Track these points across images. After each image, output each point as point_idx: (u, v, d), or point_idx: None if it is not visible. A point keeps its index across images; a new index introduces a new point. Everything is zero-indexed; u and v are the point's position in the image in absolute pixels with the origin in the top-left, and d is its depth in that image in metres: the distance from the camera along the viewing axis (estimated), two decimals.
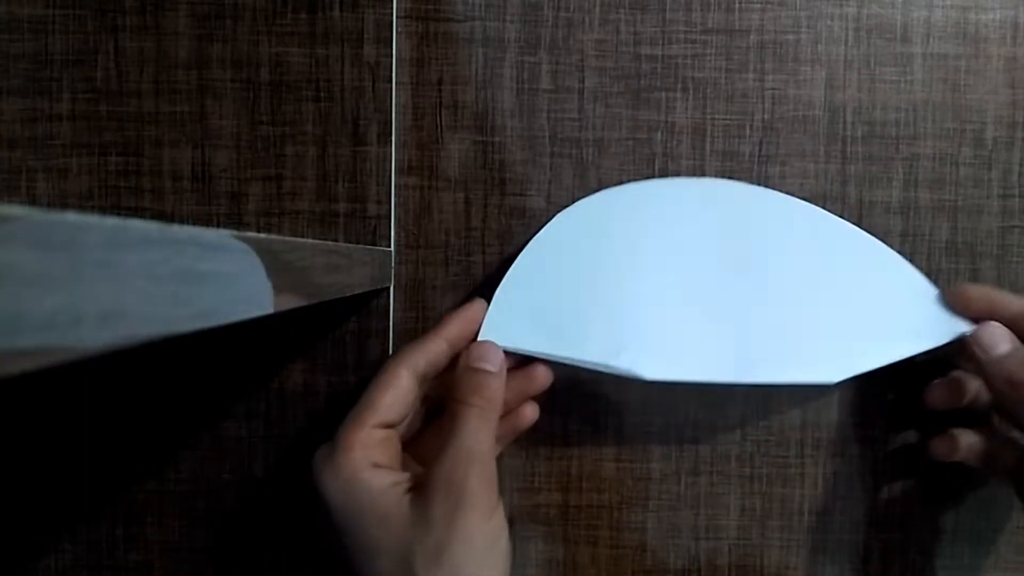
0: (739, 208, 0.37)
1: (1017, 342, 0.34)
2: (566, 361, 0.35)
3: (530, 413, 0.36)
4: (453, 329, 0.34)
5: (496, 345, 0.34)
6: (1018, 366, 0.33)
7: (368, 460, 0.31)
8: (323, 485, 0.31)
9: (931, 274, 0.38)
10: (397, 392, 0.32)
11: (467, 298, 0.39)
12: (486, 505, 0.30)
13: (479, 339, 0.34)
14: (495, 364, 0.33)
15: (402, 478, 0.31)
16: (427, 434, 0.36)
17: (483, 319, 0.35)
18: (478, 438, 0.31)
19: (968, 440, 0.37)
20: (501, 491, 0.39)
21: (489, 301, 0.35)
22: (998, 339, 0.34)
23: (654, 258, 0.36)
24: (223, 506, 0.39)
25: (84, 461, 0.39)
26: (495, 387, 0.33)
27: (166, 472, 0.39)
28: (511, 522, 0.40)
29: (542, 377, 0.36)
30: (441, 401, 0.35)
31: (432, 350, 0.33)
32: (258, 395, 0.39)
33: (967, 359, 0.35)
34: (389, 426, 0.32)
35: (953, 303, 0.36)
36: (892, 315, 0.36)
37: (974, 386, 0.37)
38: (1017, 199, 0.39)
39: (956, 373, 0.37)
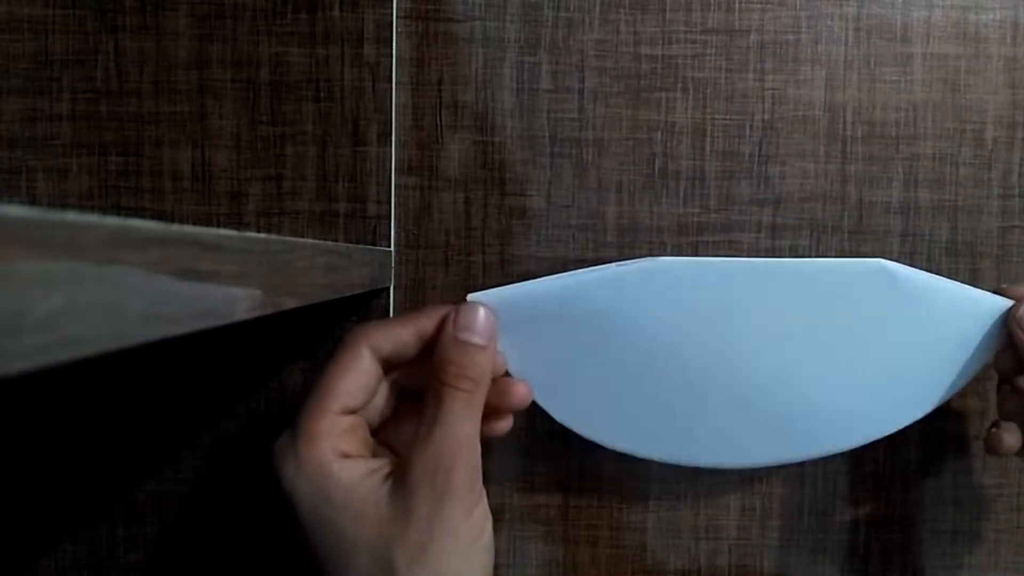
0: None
1: None
2: (570, 290, 0.32)
3: (502, 428, 0.33)
4: (427, 323, 0.30)
5: (487, 310, 0.30)
6: None
7: (336, 450, 0.28)
8: (287, 480, 0.28)
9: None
10: (358, 375, 0.29)
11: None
12: (471, 496, 0.28)
13: (467, 300, 0.31)
14: (484, 335, 0.30)
15: (377, 465, 0.28)
16: (399, 418, 0.32)
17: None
18: (464, 424, 0.28)
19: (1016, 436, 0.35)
20: (501, 491, 0.40)
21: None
22: None
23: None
24: (223, 506, 0.39)
25: (84, 461, 0.39)
26: (484, 364, 0.29)
27: (166, 472, 0.39)
28: (511, 521, 0.40)
29: (520, 393, 0.32)
30: (413, 390, 0.32)
31: (398, 335, 0.30)
32: (258, 395, 0.39)
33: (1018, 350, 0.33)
34: (353, 411, 0.29)
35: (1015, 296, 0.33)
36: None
37: None
38: (1017, 199, 0.39)
39: (1020, 380, 0.34)
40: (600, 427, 0.35)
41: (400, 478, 0.28)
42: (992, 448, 0.35)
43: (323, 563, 0.28)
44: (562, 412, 0.34)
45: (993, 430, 0.35)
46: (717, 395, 0.34)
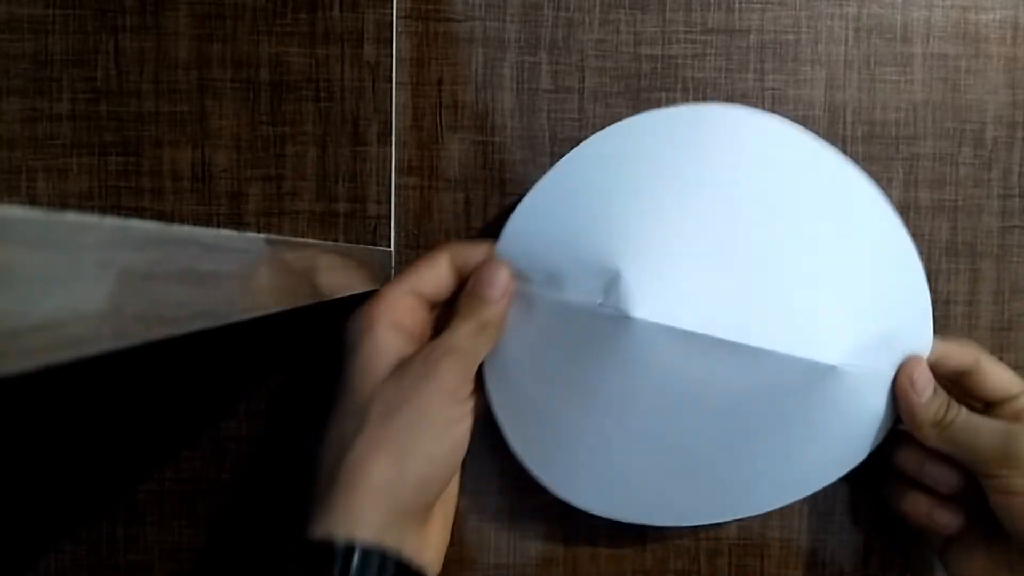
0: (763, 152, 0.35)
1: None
2: (556, 305, 0.34)
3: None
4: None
5: (507, 269, 0.34)
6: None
7: (391, 316, 0.32)
8: (350, 324, 0.33)
9: (931, 274, 0.38)
10: (435, 271, 0.34)
11: None
12: (454, 388, 0.31)
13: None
14: (498, 292, 0.33)
15: (409, 346, 0.32)
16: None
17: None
18: (463, 339, 0.32)
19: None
20: (501, 491, 0.40)
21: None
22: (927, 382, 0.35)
23: (666, 198, 0.34)
24: (223, 506, 0.39)
25: (84, 461, 0.39)
26: (496, 313, 0.33)
27: (166, 472, 0.39)
28: (511, 521, 0.40)
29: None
30: None
31: (472, 253, 0.34)
32: (258, 395, 0.39)
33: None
34: (422, 297, 0.34)
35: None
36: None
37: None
38: (1017, 199, 0.39)
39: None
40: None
41: (406, 359, 0.32)
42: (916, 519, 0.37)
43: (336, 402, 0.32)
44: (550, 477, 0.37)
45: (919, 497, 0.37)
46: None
